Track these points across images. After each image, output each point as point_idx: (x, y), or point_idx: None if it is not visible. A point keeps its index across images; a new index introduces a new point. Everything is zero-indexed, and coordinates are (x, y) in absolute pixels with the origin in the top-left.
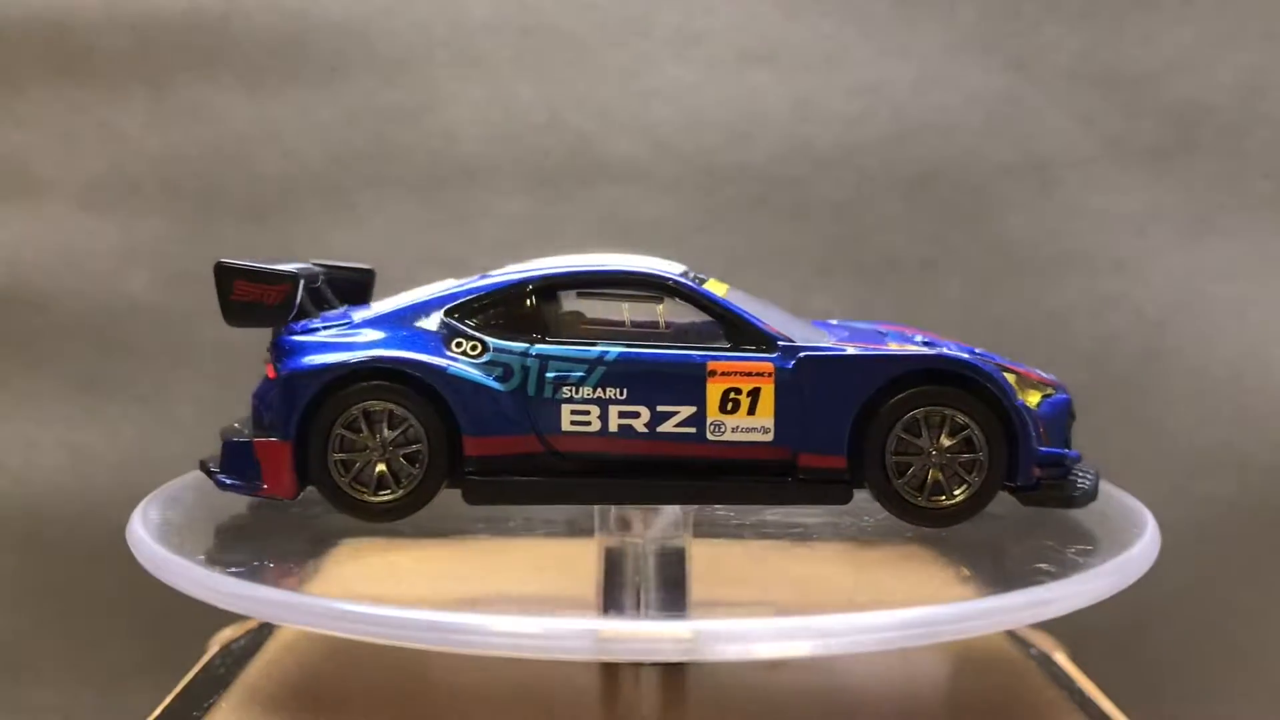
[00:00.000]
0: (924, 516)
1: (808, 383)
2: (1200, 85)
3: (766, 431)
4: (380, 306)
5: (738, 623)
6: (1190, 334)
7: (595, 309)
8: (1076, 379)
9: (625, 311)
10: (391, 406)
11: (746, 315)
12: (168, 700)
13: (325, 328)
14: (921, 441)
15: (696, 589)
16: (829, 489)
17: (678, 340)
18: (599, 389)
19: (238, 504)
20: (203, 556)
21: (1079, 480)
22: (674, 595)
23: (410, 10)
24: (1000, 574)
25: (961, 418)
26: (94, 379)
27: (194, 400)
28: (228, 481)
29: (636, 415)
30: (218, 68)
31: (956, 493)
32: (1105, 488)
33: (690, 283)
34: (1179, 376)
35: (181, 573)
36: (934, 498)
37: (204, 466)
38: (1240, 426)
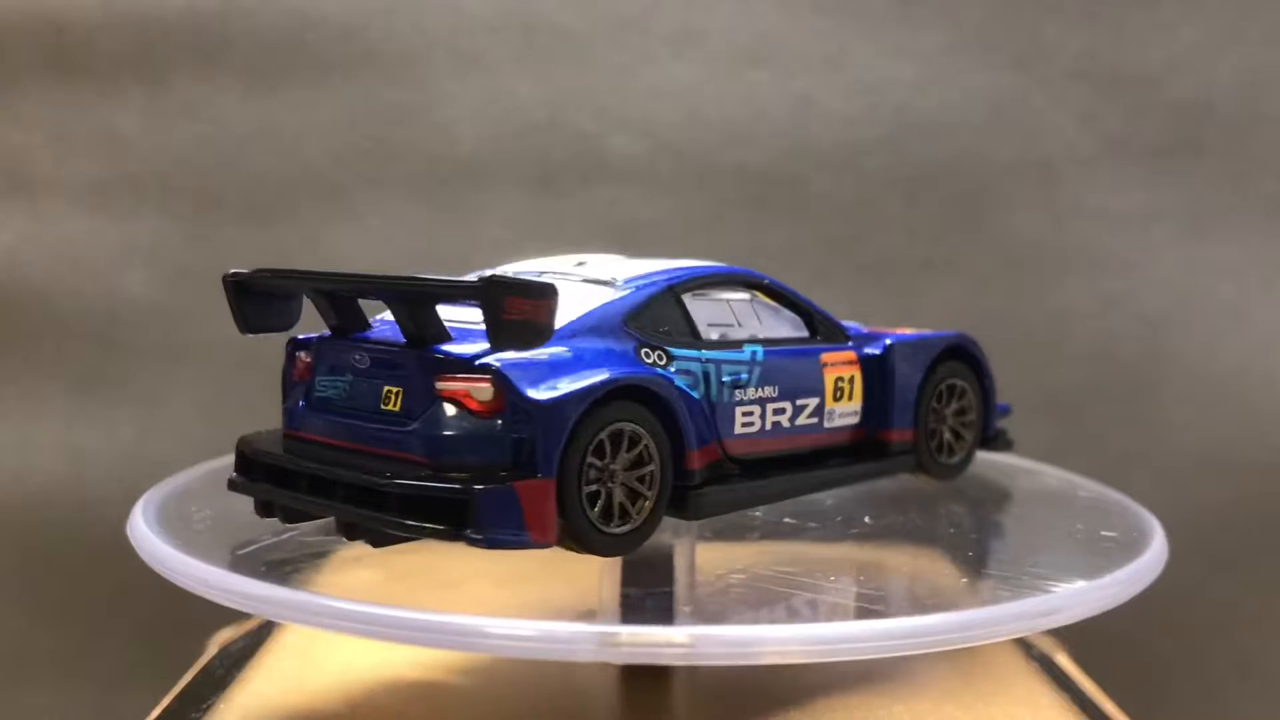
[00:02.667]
0: (945, 471)
1: (889, 367)
2: (1202, 85)
3: (857, 414)
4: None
5: (741, 630)
6: (1192, 334)
7: (699, 310)
8: (1077, 379)
9: (730, 312)
10: (634, 427)
11: (824, 311)
12: (166, 701)
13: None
14: (942, 409)
15: (698, 589)
16: (905, 459)
17: (778, 337)
18: (759, 389)
19: (238, 502)
20: (204, 553)
21: (1006, 432)
22: (677, 599)
23: (410, 9)
24: (1005, 578)
25: (962, 384)
26: (92, 379)
27: (192, 400)
28: (485, 538)
29: (784, 411)
30: (217, 67)
31: (957, 449)
32: (1112, 494)
33: (780, 282)
34: (1180, 377)
35: (182, 569)
36: (947, 456)
37: (463, 535)
38: (1242, 427)
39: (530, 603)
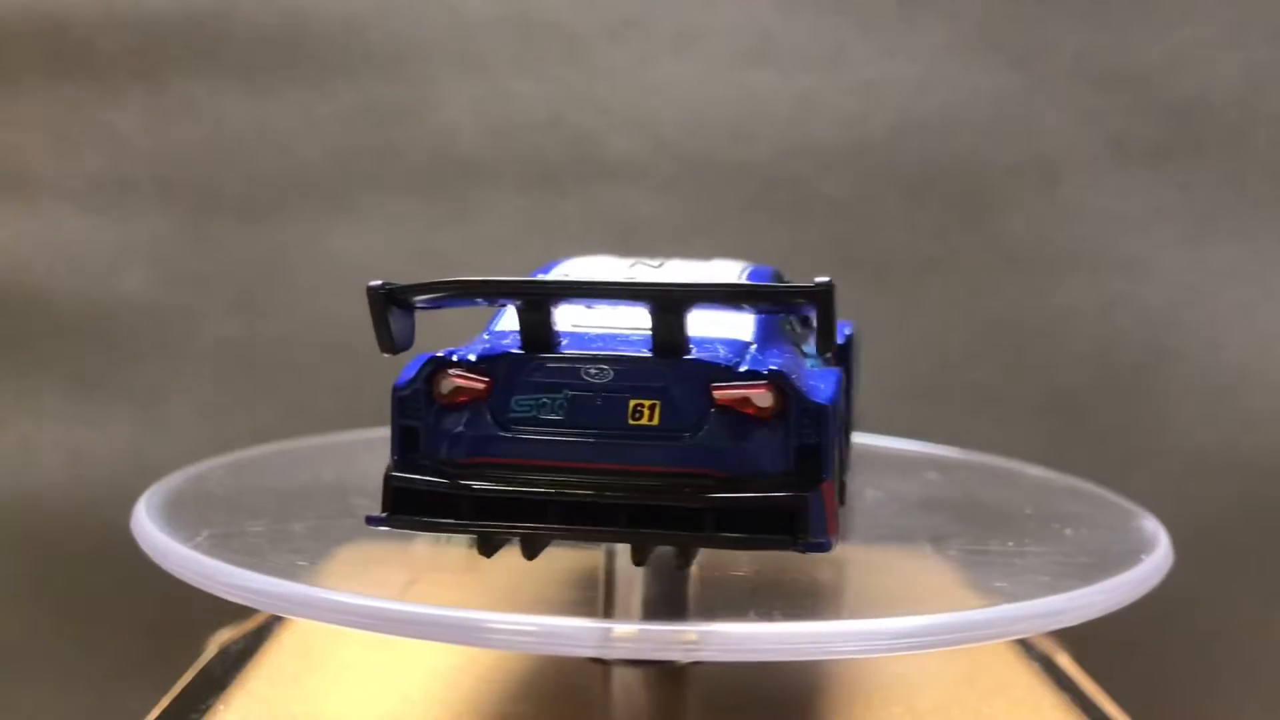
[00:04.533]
0: None
1: None
2: (1203, 85)
3: None
4: (748, 320)
5: (743, 627)
6: (1194, 334)
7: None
8: (1079, 379)
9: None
10: None
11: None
12: (165, 701)
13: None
14: None
15: (700, 589)
16: None
17: None
18: None
19: (241, 500)
20: (207, 550)
21: None
22: (679, 598)
23: (409, 9)
24: (1009, 581)
25: None
26: (91, 379)
27: (191, 400)
28: (812, 543)
29: None
30: (215, 66)
31: None
32: (1116, 499)
33: None
34: (1183, 377)
35: (186, 564)
36: None
37: (795, 543)
38: (1244, 428)
39: (532, 600)
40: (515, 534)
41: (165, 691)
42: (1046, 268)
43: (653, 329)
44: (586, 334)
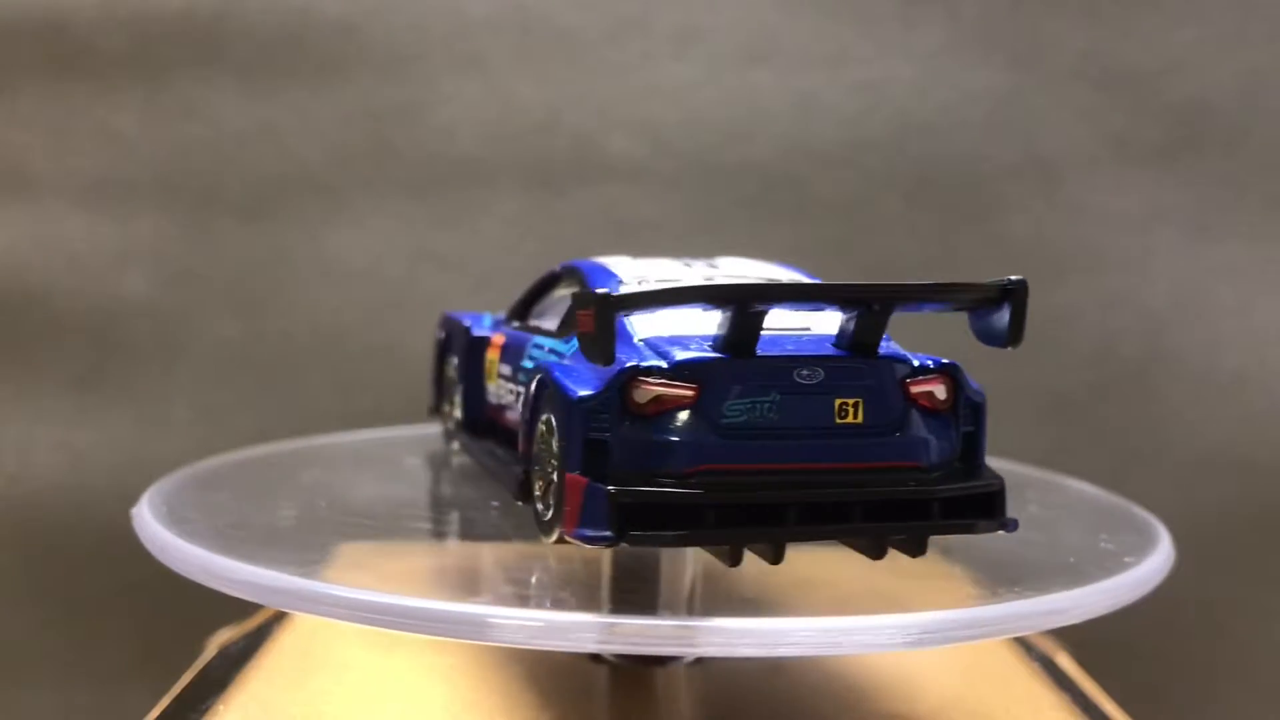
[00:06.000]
0: None
1: None
2: (1203, 84)
3: None
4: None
5: (746, 621)
6: (1194, 334)
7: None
8: (1079, 379)
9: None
10: None
11: None
12: (165, 702)
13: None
14: None
15: (702, 587)
16: None
17: None
18: None
19: (241, 500)
20: (209, 546)
21: None
22: (681, 593)
23: (409, 9)
24: (1010, 579)
25: None
26: (91, 378)
27: (191, 400)
28: (1003, 525)
29: None
30: (215, 66)
31: None
32: (1116, 499)
33: None
34: (1182, 377)
35: (189, 560)
36: None
37: (1007, 524)
38: (1244, 427)
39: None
40: (763, 540)
41: (165, 692)
42: (1046, 268)
43: (854, 329)
44: (776, 336)
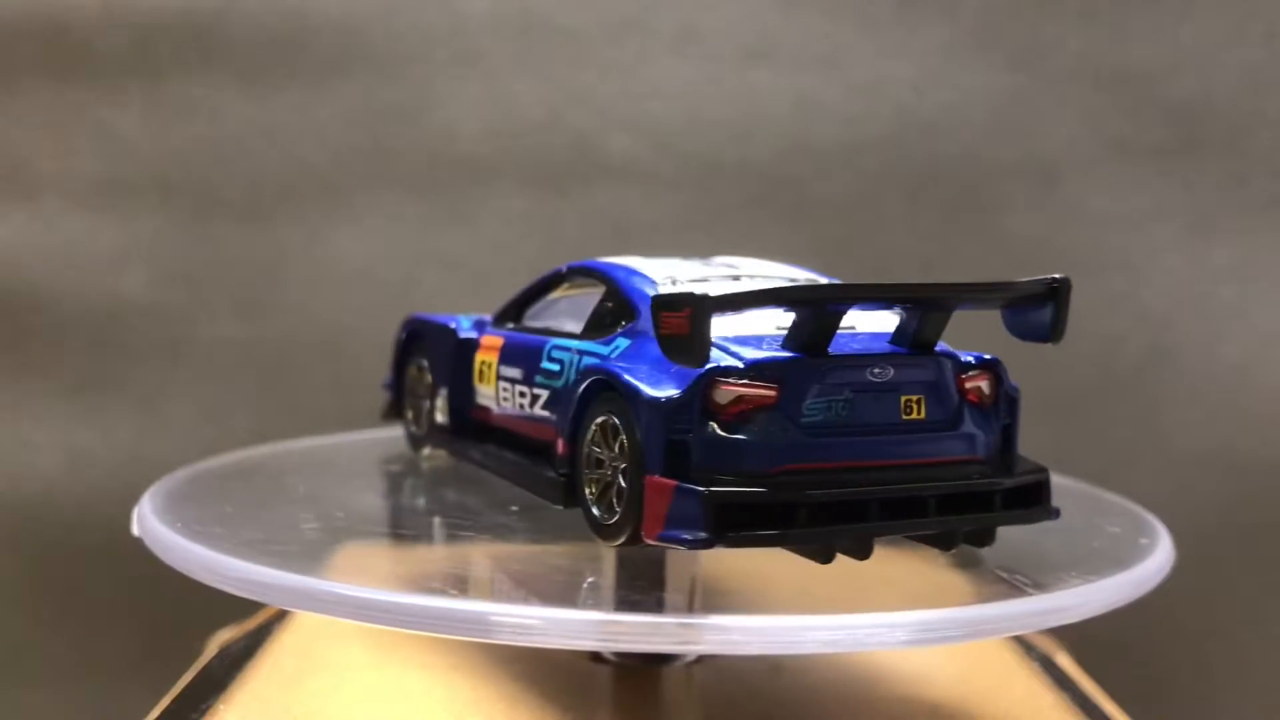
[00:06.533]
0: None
1: None
2: (1203, 84)
3: None
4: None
5: (745, 619)
6: (1193, 334)
7: None
8: (1079, 379)
9: None
10: None
11: None
12: (166, 702)
13: None
14: None
15: (704, 585)
16: None
17: None
18: None
19: (241, 500)
20: (211, 543)
21: None
22: (684, 592)
23: (409, 9)
24: (1010, 578)
25: None
26: (91, 379)
27: (191, 400)
28: (1057, 511)
29: None
30: (215, 66)
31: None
32: (1116, 498)
33: None
34: (1182, 377)
35: (192, 557)
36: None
37: (1053, 512)
38: (1243, 427)
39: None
40: (853, 537)
41: (165, 692)
42: (1045, 268)
43: (918, 327)
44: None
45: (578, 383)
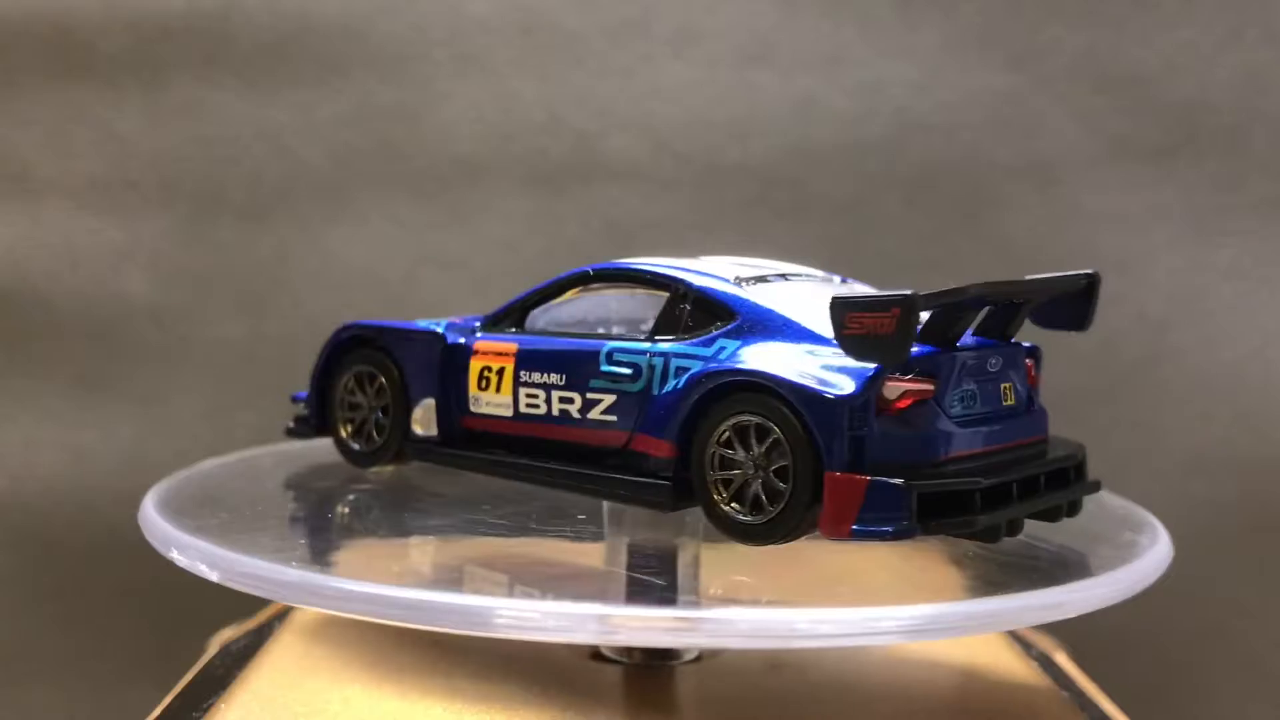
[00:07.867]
0: None
1: None
2: (1202, 85)
3: None
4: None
5: (744, 612)
6: (1192, 334)
7: None
8: (1078, 379)
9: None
10: None
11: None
12: (167, 700)
13: None
14: None
15: (704, 582)
16: None
17: None
18: None
19: (242, 500)
20: (213, 542)
21: None
22: (682, 588)
23: (409, 9)
24: (1009, 575)
25: None
26: (92, 378)
27: (192, 400)
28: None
29: None
30: (216, 67)
31: None
32: (1115, 497)
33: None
34: (1181, 377)
35: (196, 554)
36: None
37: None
38: (1242, 427)
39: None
40: (1016, 517)
41: (167, 690)
42: (1045, 268)
43: (1007, 319)
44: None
45: (692, 385)
